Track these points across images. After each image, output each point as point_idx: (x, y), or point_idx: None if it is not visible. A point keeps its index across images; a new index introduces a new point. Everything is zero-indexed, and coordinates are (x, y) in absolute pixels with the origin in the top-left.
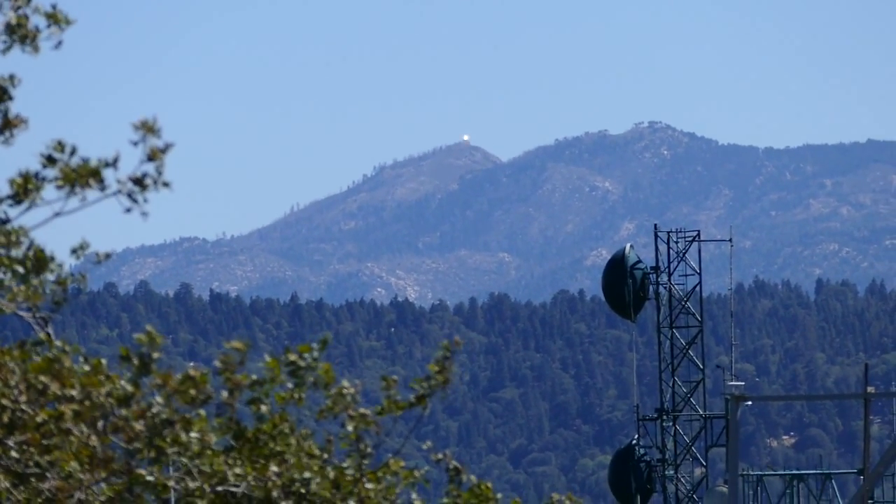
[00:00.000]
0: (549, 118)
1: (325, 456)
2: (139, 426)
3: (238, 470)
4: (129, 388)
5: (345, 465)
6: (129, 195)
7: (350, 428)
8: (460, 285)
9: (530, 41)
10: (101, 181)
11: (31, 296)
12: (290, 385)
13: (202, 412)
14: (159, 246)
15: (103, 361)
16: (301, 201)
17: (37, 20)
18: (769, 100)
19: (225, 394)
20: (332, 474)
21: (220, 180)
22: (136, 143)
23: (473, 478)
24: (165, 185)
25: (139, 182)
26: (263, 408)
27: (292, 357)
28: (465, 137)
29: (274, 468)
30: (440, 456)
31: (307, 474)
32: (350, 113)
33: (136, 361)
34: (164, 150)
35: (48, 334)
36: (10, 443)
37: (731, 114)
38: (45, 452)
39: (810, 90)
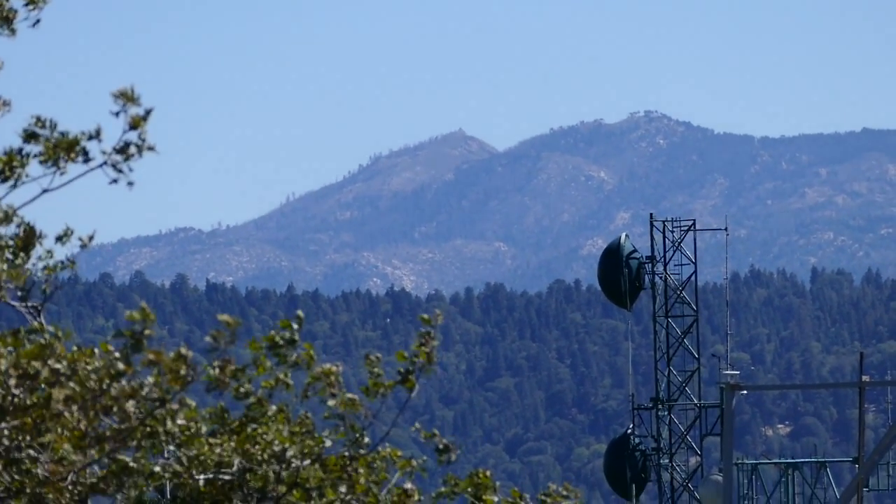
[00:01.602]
0: (545, 108)
1: (304, 430)
2: (131, 408)
3: (219, 449)
4: (121, 365)
5: (324, 434)
6: (114, 166)
7: (331, 404)
8: (456, 275)
9: (526, 30)
10: (84, 154)
11: (16, 276)
12: (277, 372)
13: (192, 402)
14: (155, 236)
15: (97, 351)
16: (297, 191)
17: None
18: (765, 89)
19: (216, 371)
20: (309, 444)
21: (215, 170)
22: (116, 114)
23: (453, 455)
24: (150, 149)
25: (123, 152)
26: (250, 396)
27: (272, 334)
28: (461, 127)
29: (255, 447)
30: (429, 434)
31: (286, 445)
32: (346, 103)
33: (128, 338)
34: (145, 116)
35: (41, 323)
36: (3, 428)
37: (727, 103)
38: (37, 436)
39: (806, 79)
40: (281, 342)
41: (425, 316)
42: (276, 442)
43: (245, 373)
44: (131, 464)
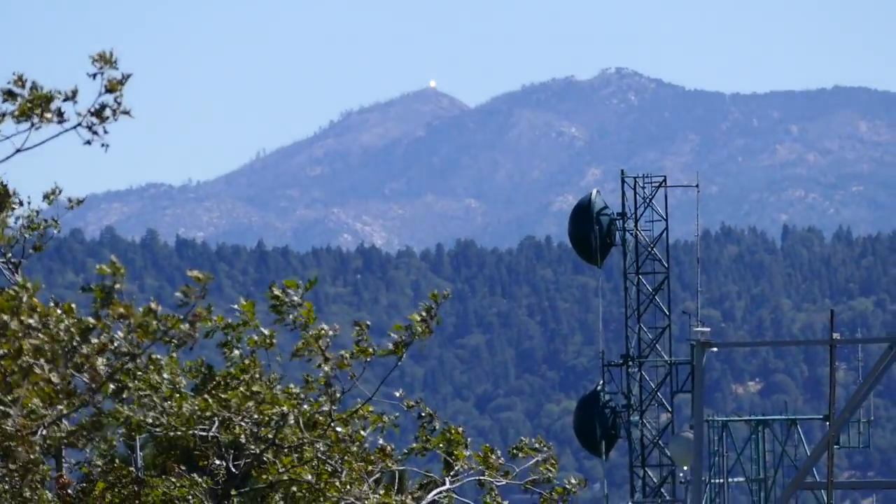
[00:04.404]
0: (516, 64)
1: (303, 396)
2: (101, 366)
3: (200, 405)
4: (92, 320)
5: (321, 400)
6: (89, 127)
7: (326, 368)
8: (427, 231)
9: None
10: (60, 114)
11: None
12: (264, 330)
13: (174, 356)
14: (125, 191)
15: (73, 306)
16: (267, 147)
17: None
18: (736, 45)
19: (186, 326)
20: (307, 411)
21: (186, 125)
22: (94, 76)
23: (437, 424)
24: (126, 113)
25: (99, 114)
26: (235, 352)
27: (276, 291)
28: (432, 83)
29: (250, 404)
30: (413, 403)
31: (285, 408)
32: (316, 58)
33: (98, 293)
34: (123, 81)
35: (18, 279)
36: None
37: (698, 59)
38: (7, 391)
39: (777, 36)
40: (286, 300)
41: (436, 293)
42: (269, 401)
43: (235, 330)
44: (104, 419)
